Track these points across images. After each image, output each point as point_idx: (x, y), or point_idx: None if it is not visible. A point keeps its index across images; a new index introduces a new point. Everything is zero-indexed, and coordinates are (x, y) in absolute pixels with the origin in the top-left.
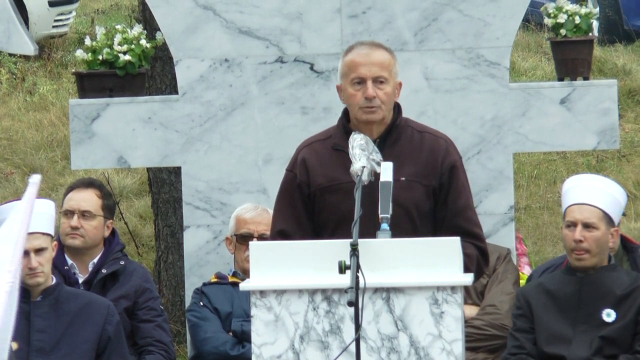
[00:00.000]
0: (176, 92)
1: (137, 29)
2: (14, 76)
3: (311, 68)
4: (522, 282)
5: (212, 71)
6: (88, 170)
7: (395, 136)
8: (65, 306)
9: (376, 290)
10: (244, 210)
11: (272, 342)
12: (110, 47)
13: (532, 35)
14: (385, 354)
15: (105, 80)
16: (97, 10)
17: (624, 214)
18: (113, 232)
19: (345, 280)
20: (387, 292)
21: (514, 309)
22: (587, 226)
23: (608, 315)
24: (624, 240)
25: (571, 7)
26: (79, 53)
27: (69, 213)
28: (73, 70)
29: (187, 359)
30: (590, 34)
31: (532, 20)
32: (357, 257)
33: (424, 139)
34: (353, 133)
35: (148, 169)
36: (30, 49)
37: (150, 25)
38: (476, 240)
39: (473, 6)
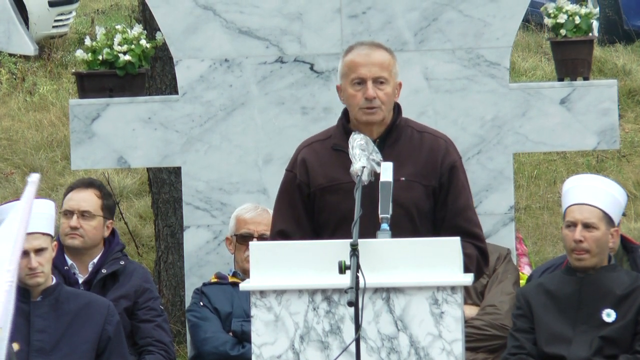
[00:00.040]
0: (176, 92)
1: (137, 29)
2: (14, 76)
3: (311, 68)
4: (522, 282)
5: (212, 71)
6: (88, 170)
7: (395, 136)
8: (65, 306)
9: (376, 290)
10: (244, 210)
11: (272, 342)
12: (110, 47)
13: (532, 35)
14: (385, 354)
15: (105, 80)
16: (97, 10)
17: (624, 214)
18: (113, 232)
19: (345, 280)
20: (387, 292)
21: (514, 309)
22: (587, 226)
23: (608, 315)
24: (624, 240)
25: (571, 7)
26: (79, 53)
27: (69, 213)
28: (73, 70)
29: (187, 359)
30: (590, 34)
31: (532, 20)
32: (357, 257)
33: (424, 139)
34: (353, 133)
35: (148, 169)
36: (30, 49)
37: (150, 25)
38: (476, 241)
39: (473, 6)
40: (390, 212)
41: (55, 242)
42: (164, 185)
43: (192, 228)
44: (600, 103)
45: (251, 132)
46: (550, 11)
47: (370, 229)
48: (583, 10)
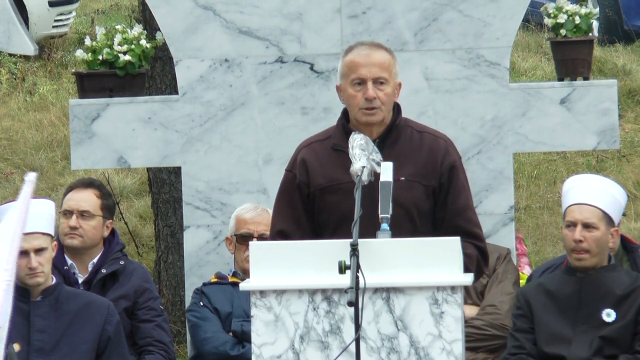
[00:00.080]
0: (176, 92)
1: (137, 29)
2: (14, 76)
3: (311, 68)
4: (522, 282)
5: (212, 71)
6: (88, 170)
7: (394, 136)
8: (65, 306)
9: (376, 290)
10: (244, 210)
11: (272, 342)
12: (110, 47)
13: (532, 35)
14: (385, 354)
15: (105, 80)
16: (97, 10)
17: (624, 214)
18: (113, 232)
19: (345, 280)
20: (387, 292)
21: (514, 309)
22: (587, 226)
23: (608, 315)
24: (624, 240)
25: (571, 7)
26: (79, 53)
27: (68, 213)
28: (73, 70)
29: (187, 359)
30: (590, 34)
31: (532, 20)
32: (357, 257)
33: (424, 139)
34: (353, 133)
35: (148, 169)
36: (30, 49)
37: (150, 25)
38: (476, 240)
39: (473, 6)
40: (390, 212)
41: (55, 242)
42: (164, 185)
43: (192, 228)
44: (600, 103)
45: (251, 132)
46: (550, 11)
47: (370, 229)
48: (583, 10)
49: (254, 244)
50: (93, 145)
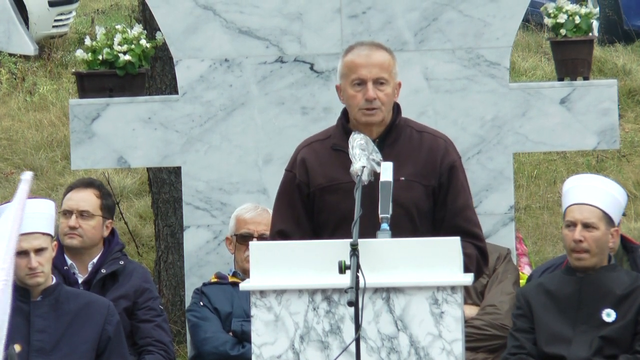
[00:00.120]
0: (176, 92)
1: (137, 29)
2: (14, 76)
3: (311, 68)
4: (522, 282)
5: (212, 71)
6: (88, 170)
7: (394, 136)
8: (65, 306)
9: (376, 290)
10: (244, 210)
11: (272, 342)
12: (110, 47)
13: (532, 35)
14: (385, 354)
15: (105, 80)
16: (97, 10)
17: (624, 214)
18: (112, 232)
19: (345, 280)
20: (387, 292)
21: (514, 309)
22: (587, 226)
23: (608, 315)
24: (624, 240)
25: (571, 7)
26: (79, 53)
27: (68, 213)
28: (73, 70)
29: (187, 359)
30: (590, 34)
31: (532, 20)
32: (357, 257)
33: (423, 139)
34: (353, 133)
35: (148, 169)
36: (30, 49)
37: (150, 25)
38: (476, 240)
39: (473, 6)
40: (390, 212)
41: (55, 242)
42: (164, 185)
43: (192, 228)
44: (600, 103)
45: (251, 132)
46: (550, 11)
47: (370, 229)
48: (583, 10)
49: (254, 244)
50: (93, 145)
